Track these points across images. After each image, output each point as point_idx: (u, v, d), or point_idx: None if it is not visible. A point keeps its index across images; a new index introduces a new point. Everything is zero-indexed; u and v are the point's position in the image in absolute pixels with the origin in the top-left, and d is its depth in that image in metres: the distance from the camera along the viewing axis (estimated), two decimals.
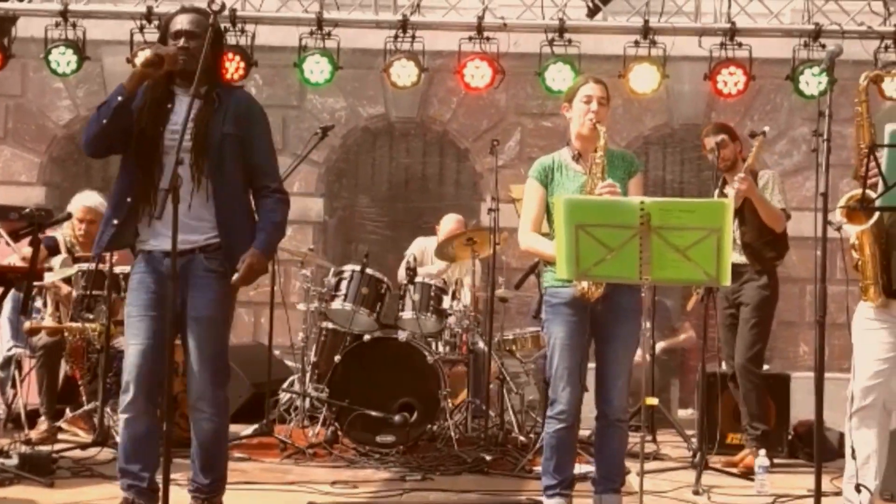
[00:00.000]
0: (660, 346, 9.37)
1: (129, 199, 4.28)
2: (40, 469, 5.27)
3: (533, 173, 4.84)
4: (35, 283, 5.65)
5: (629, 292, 4.67)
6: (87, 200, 6.89)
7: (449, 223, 8.16)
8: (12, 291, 5.93)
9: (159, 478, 4.06)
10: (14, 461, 5.32)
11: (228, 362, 4.46)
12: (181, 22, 4.30)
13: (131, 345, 4.29)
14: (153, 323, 4.26)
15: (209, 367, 4.29)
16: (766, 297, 6.26)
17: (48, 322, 6.40)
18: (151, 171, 4.26)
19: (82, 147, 4.35)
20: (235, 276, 4.20)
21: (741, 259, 6.22)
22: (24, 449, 5.55)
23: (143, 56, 4.24)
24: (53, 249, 6.66)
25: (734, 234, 6.15)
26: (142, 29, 7.65)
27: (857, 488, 4.44)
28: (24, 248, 5.58)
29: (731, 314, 6.35)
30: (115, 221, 4.30)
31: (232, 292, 4.36)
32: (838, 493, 4.91)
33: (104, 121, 4.19)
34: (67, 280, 6.46)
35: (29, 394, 6.52)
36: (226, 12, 7.26)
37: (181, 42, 4.25)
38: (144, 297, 4.30)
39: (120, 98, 4.18)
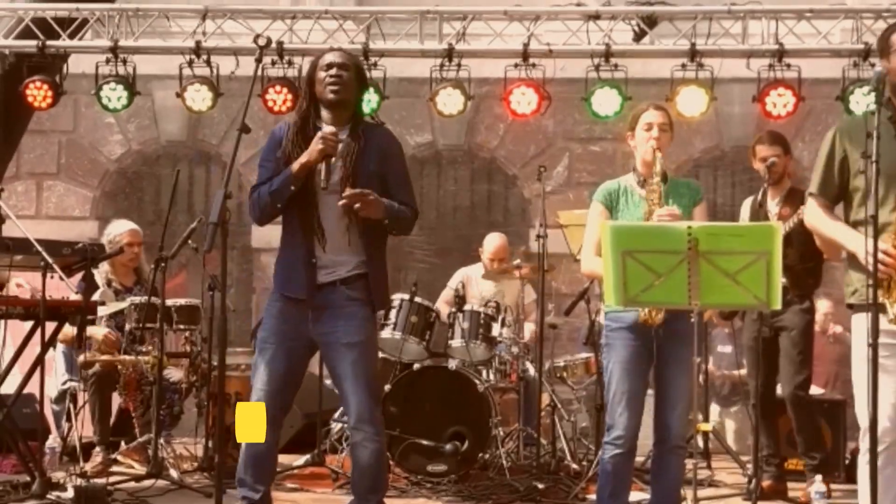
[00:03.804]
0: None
1: (298, 241, 4.49)
2: (96, 501, 5.31)
3: (598, 196, 4.79)
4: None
5: (687, 317, 4.57)
6: (128, 225, 7.03)
7: (493, 242, 7.81)
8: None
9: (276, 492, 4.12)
10: (70, 494, 5.37)
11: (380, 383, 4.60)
12: (331, 56, 4.53)
13: (262, 369, 4.45)
14: (288, 352, 4.47)
15: (367, 388, 4.44)
16: (809, 322, 6.09)
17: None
18: (310, 210, 4.44)
19: (254, 221, 4.66)
20: (349, 191, 4.31)
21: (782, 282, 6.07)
22: (79, 482, 5.57)
23: (314, 149, 4.37)
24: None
25: None
26: (191, 63, 7.76)
27: None
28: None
29: (764, 338, 6.03)
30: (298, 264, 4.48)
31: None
32: None
33: (278, 205, 4.46)
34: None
35: (84, 427, 6.58)
36: (273, 45, 7.34)
37: (333, 72, 4.43)
38: (283, 327, 4.50)
39: (292, 188, 4.39)
